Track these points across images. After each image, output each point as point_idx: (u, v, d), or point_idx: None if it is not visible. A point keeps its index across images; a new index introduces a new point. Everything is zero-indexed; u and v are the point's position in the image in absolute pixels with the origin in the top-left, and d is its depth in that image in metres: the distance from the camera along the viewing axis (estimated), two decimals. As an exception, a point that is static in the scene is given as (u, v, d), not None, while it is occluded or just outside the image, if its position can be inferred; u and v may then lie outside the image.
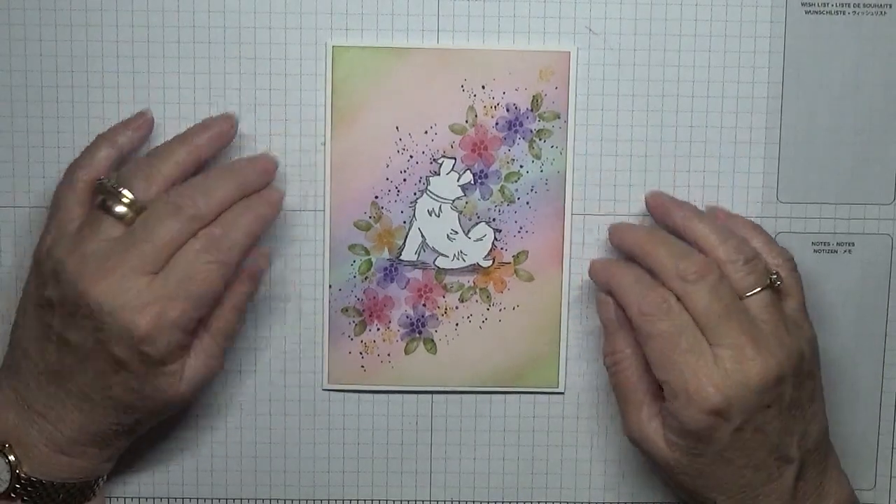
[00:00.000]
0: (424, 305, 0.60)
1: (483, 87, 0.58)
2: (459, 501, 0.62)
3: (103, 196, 0.54)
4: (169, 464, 0.62)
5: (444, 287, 0.60)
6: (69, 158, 0.59)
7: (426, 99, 0.58)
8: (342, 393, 0.61)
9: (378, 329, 0.60)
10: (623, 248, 0.58)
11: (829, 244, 0.61)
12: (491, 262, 0.60)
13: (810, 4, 0.59)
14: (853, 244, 0.61)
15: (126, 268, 0.52)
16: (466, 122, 0.59)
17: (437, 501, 0.62)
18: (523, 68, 0.58)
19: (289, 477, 0.62)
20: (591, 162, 0.60)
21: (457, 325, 0.60)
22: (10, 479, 0.54)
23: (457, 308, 0.60)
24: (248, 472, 0.62)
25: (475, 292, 0.60)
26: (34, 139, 0.59)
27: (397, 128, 0.58)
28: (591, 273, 0.58)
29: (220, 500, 0.62)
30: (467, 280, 0.60)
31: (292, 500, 0.62)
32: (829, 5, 0.59)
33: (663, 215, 0.58)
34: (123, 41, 0.59)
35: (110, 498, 0.62)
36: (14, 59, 0.59)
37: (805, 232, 0.60)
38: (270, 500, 0.62)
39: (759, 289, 0.54)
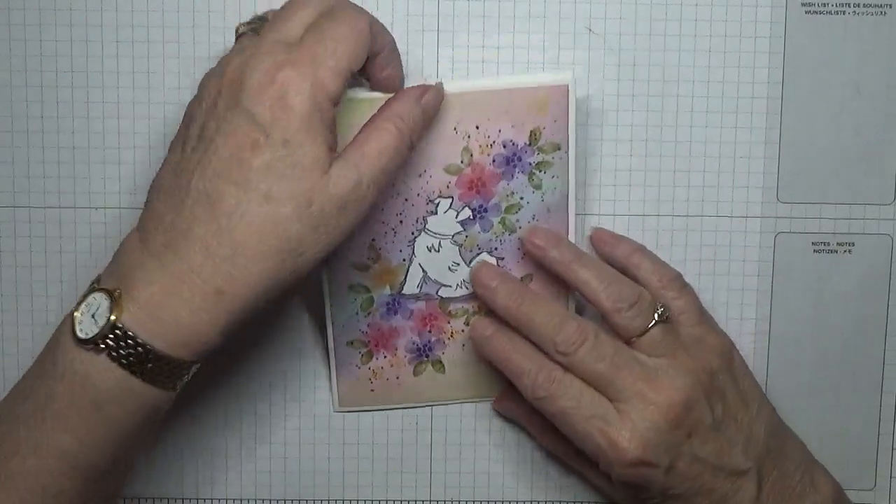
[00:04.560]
0: (430, 332, 0.59)
1: (477, 128, 0.56)
2: (459, 501, 0.62)
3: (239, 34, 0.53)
4: (169, 464, 0.62)
5: (449, 314, 0.59)
6: (69, 158, 0.59)
7: (417, 145, 0.55)
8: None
9: (385, 357, 0.60)
10: (497, 312, 0.57)
11: (829, 244, 0.61)
12: None
13: (810, 4, 0.59)
14: (853, 244, 0.61)
15: (264, 41, 0.50)
16: (461, 162, 0.56)
17: (437, 501, 0.62)
18: (519, 105, 0.56)
19: (289, 477, 0.62)
20: (589, 162, 0.60)
21: (463, 345, 0.60)
22: (104, 326, 0.48)
23: (463, 331, 0.59)
24: (248, 472, 0.62)
25: (481, 315, 0.59)
26: (34, 139, 0.59)
27: None
28: (476, 346, 0.58)
29: (220, 500, 0.62)
30: (472, 305, 0.59)
31: (292, 500, 0.62)
32: (829, 5, 0.59)
33: (542, 256, 0.57)
34: (123, 41, 0.59)
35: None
36: (14, 59, 0.59)
37: (805, 232, 0.61)
38: (270, 500, 0.62)
39: (649, 326, 0.55)
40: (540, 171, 0.57)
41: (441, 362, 0.60)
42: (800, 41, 0.59)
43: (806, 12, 0.59)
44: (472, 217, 0.57)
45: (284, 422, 0.61)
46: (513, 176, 0.57)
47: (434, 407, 0.61)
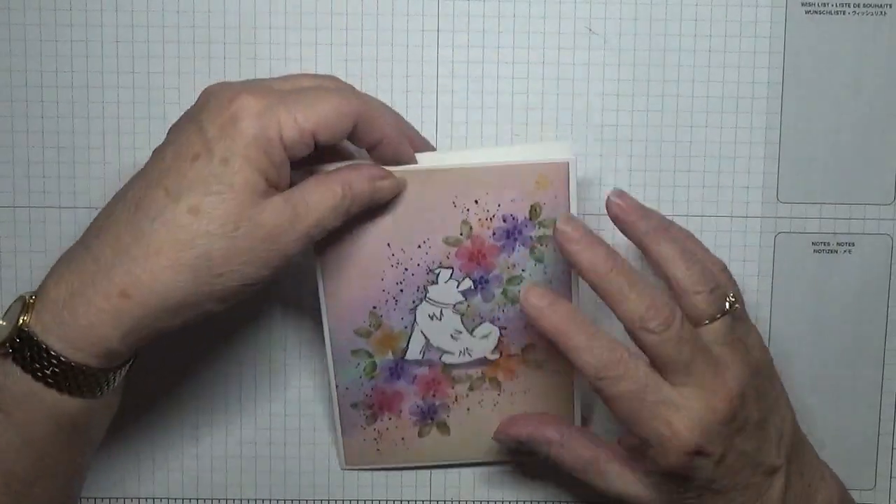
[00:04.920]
0: (434, 396, 0.59)
1: (476, 202, 0.55)
2: (459, 501, 0.62)
3: None
4: (169, 464, 0.62)
5: (453, 379, 0.58)
6: (69, 159, 0.59)
7: (415, 217, 0.55)
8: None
9: (390, 419, 0.59)
10: (583, 275, 0.53)
11: (829, 244, 0.61)
12: (498, 355, 0.58)
13: (810, 4, 0.59)
14: (853, 244, 0.61)
15: (249, 82, 0.52)
16: (461, 234, 0.56)
17: (437, 501, 0.62)
18: (519, 180, 0.55)
19: (289, 477, 0.62)
20: (589, 161, 0.60)
21: (468, 409, 0.59)
22: (11, 329, 0.48)
23: (467, 396, 0.59)
24: (248, 472, 0.62)
25: (484, 381, 0.58)
26: (34, 139, 0.59)
27: (388, 244, 0.55)
28: (530, 316, 0.53)
29: (220, 500, 0.62)
30: (475, 371, 0.58)
31: (292, 501, 0.62)
32: (829, 5, 0.59)
33: (628, 225, 0.55)
34: (123, 41, 0.59)
35: (109, 499, 0.62)
36: (14, 59, 0.59)
37: (805, 232, 0.60)
38: (270, 500, 0.62)
39: (718, 315, 0.54)
40: (541, 245, 0.56)
41: (446, 424, 0.59)
42: (800, 41, 0.59)
43: (806, 12, 0.59)
44: (473, 288, 0.57)
45: (285, 422, 0.61)
46: (514, 249, 0.56)
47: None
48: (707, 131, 0.60)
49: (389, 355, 0.58)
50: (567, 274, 0.57)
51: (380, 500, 0.62)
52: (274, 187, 0.50)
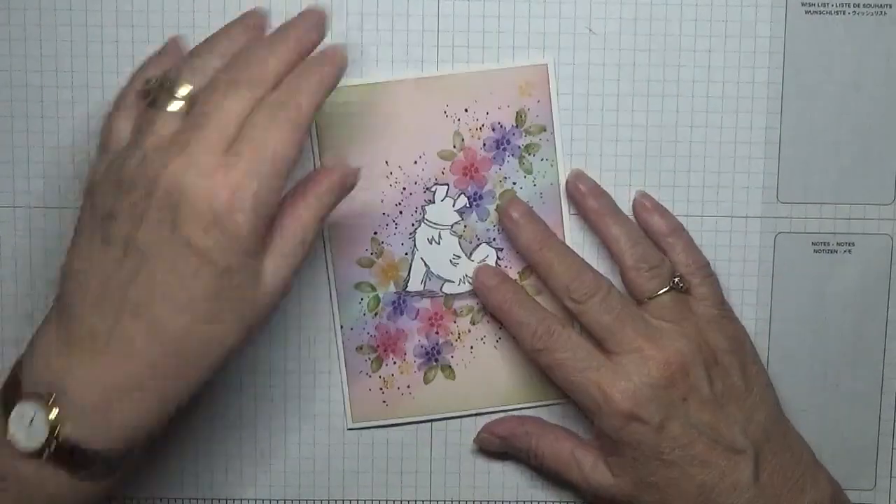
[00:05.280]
0: (437, 333, 0.60)
1: (466, 111, 0.58)
2: (459, 501, 0.62)
3: (153, 97, 0.50)
4: (169, 464, 0.62)
5: (455, 312, 0.60)
6: (69, 159, 0.59)
7: (411, 129, 0.58)
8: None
9: (395, 363, 0.60)
10: (519, 251, 0.59)
11: (829, 244, 0.61)
12: None
13: (810, 4, 0.59)
14: (853, 244, 0.61)
15: (197, 146, 0.47)
16: (454, 146, 0.59)
17: (437, 501, 0.62)
18: (503, 86, 0.58)
19: (289, 477, 0.62)
20: (590, 161, 0.60)
21: (472, 347, 0.60)
22: (48, 438, 0.48)
23: (469, 331, 0.60)
24: (248, 472, 0.62)
25: (486, 314, 0.60)
26: (34, 139, 0.59)
27: (387, 162, 0.59)
28: (479, 294, 0.59)
29: (220, 500, 0.62)
30: (476, 302, 0.60)
31: (292, 501, 0.62)
32: (829, 5, 0.59)
33: (580, 202, 0.59)
34: (123, 41, 0.59)
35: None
36: (14, 59, 0.59)
37: (805, 232, 0.61)
38: (270, 500, 0.62)
39: (662, 291, 0.56)
40: (529, 155, 0.59)
41: (451, 367, 0.60)
42: (800, 41, 0.59)
43: (806, 12, 0.59)
44: (468, 205, 0.59)
45: (284, 422, 0.61)
46: (504, 160, 0.59)
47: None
48: (707, 131, 0.60)
49: (391, 287, 0.59)
50: (556, 189, 0.59)
51: (380, 500, 0.62)
52: (266, 244, 0.49)
